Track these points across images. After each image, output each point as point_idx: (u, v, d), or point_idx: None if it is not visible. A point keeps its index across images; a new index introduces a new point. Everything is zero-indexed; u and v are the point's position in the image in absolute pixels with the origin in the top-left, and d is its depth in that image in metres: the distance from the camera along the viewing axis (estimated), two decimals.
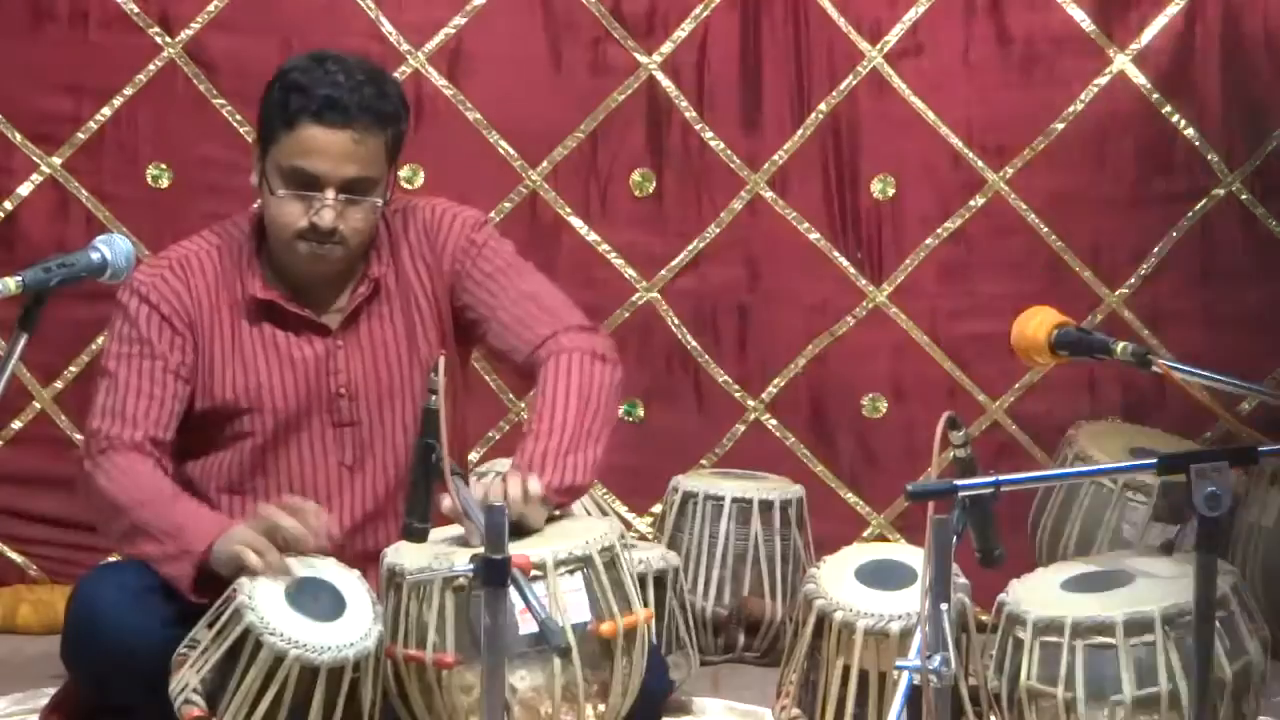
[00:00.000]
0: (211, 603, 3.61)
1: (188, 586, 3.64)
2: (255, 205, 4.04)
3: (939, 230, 5.61)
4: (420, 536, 3.48)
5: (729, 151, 5.60)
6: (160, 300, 3.83)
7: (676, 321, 5.62)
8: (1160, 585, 3.91)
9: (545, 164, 5.59)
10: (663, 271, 5.62)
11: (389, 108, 3.79)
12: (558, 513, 3.70)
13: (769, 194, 5.60)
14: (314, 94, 3.73)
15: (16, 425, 5.54)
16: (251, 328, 3.85)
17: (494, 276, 3.89)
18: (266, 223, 3.80)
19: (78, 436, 5.10)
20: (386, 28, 5.54)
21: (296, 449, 3.86)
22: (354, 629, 3.53)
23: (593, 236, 5.60)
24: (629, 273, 5.61)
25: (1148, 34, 5.58)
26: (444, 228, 3.91)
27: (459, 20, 5.56)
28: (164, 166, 5.54)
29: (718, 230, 5.61)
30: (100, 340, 5.09)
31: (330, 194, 3.73)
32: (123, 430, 3.78)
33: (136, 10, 5.49)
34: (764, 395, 5.63)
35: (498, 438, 5.52)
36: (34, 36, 5.48)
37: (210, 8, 5.51)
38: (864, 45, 5.57)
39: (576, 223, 5.60)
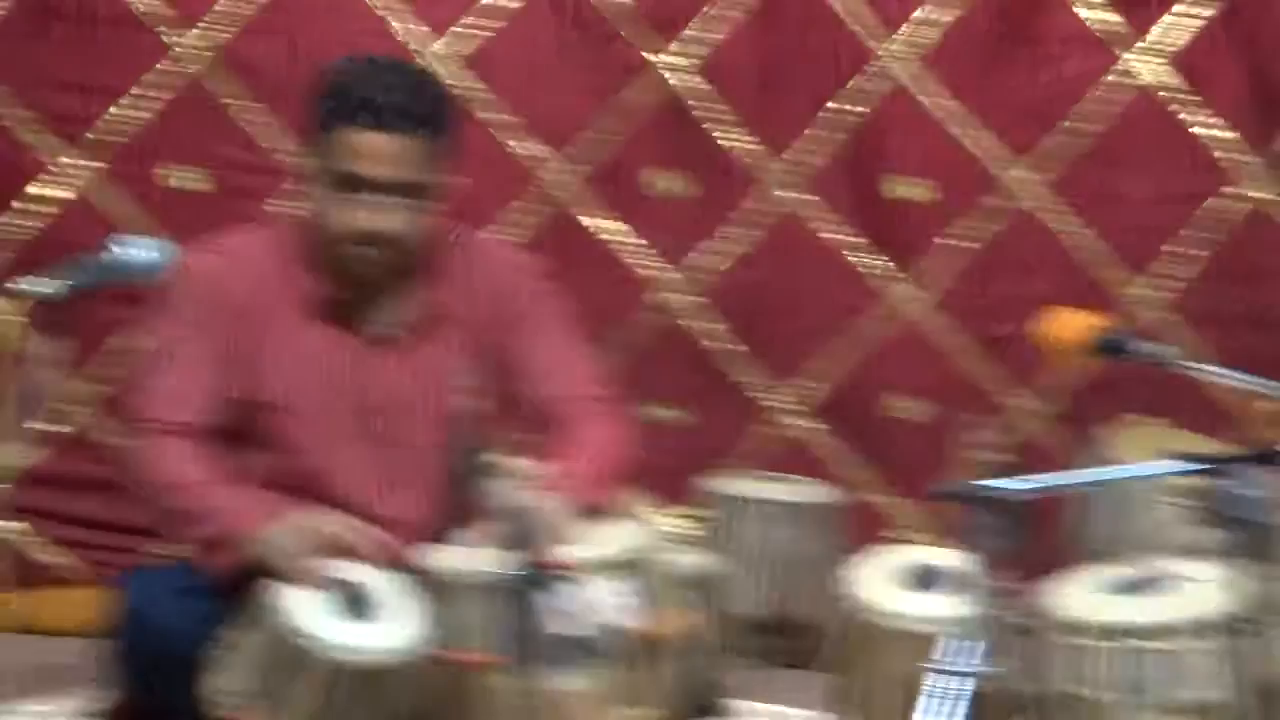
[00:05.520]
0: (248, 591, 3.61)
1: (229, 568, 3.64)
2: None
3: (956, 230, 5.60)
4: (461, 540, 3.48)
5: (744, 150, 5.58)
6: (214, 284, 3.81)
7: (694, 322, 5.60)
8: (1194, 589, 3.90)
9: (557, 164, 5.57)
10: (679, 272, 5.60)
11: (424, 109, 3.77)
12: (600, 515, 3.71)
13: (785, 193, 5.59)
14: (350, 97, 3.74)
15: (51, 428, 5.49)
16: (298, 325, 3.83)
17: (548, 322, 3.95)
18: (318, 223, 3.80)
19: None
20: (395, 27, 5.52)
21: (327, 460, 3.83)
22: (393, 632, 3.52)
23: (606, 236, 5.59)
24: (644, 273, 5.59)
25: (1159, 31, 5.58)
26: (507, 266, 3.95)
27: (469, 19, 5.54)
28: (173, 166, 5.52)
29: (735, 230, 5.60)
30: (109, 341, 5.10)
31: (367, 196, 3.72)
32: (172, 415, 3.78)
33: (145, 10, 5.47)
34: (786, 396, 5.62)
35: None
36: (43, 35, 5.47)
37: (219, 7, 5.49)
38: (879, 44, 5.57)
39: (589, 222, 5.59)
